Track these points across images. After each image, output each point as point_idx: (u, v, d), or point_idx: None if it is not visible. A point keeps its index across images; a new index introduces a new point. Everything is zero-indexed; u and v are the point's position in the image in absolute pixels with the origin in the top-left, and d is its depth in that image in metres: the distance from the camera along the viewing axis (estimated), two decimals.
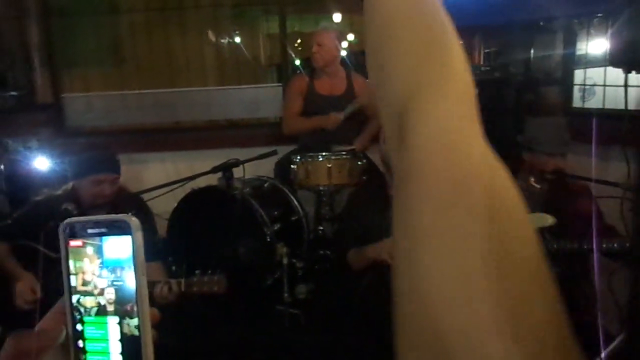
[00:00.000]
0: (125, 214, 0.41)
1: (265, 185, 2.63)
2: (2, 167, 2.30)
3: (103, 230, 0.41)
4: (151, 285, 1.70)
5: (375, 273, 1.80)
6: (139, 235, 0.41)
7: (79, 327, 0.42)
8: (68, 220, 0.42)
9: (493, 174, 0.30)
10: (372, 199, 1.83)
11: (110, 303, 0.41)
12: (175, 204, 2.39)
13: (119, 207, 2.02)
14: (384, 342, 1.55)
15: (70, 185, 2.02)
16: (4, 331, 2.07)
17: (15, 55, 2.10)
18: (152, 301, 0.44)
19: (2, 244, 1.97)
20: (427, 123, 0.31)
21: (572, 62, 2.97)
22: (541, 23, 3.05)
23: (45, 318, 0.44)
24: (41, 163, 2.79)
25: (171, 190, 1.98)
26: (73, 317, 0.42)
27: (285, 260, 2.18)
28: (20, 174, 2.66)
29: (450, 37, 0.37)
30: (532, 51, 3.00)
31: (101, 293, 0.41)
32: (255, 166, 2.34)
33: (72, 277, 0.42)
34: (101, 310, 0.42)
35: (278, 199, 2.58)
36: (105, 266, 0.41)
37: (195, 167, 3.29)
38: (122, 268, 0.41)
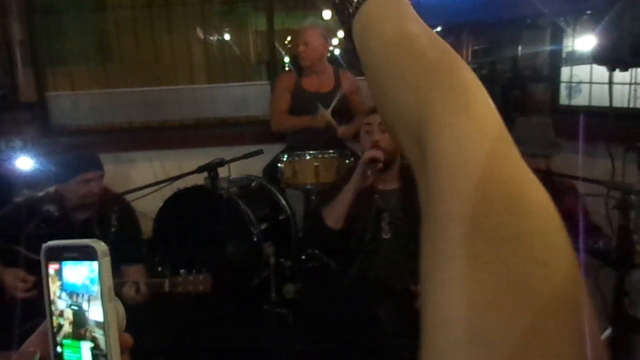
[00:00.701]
0: (93, 240, 0.42)
1: (253, 184, 2.61)
2: None
3: (74, 254, 0.41)
4: (119, 285, 1.69)
5: (359, 270, 1.80)
6: (107, 260, 0.41)
7: (58, 349, 0.43)
8: (48, 243, 0.42)
9: (523, 194, 0.28)
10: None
11: (69, 324, 0.42)
12: (161, 204, 2.37)
13: (102, 207, 2.00)
14: (371, 342, 1.55)
15: (53, 188, 1.99)
16: None
17: None
18: (123, 302, 0.45)
19: None
20: (447, 141, 0.30)
21: (559, 59, 2.99)
22: (528, 20, 3.06)
23: (31, 338, 0.45)
24: (25, 163, 2.74)
25: (156, 190, 1.96)
26: (54, 338, 0.43)
27: (272, 260, 2.17)
28: (2, 174, 2.61)
29: (450, 50, 0.37)
30: (519, 48, 3.00)
31: (61, 314, 0.42)
32: (245, 165, 2.32)
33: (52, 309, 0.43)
34: (75, 334, 0.42)
35: (265, 198, 2.57)
36: (65, 289, 0.42)
37: (183, 165, 3.26)
38: (80, 293, 0.41)
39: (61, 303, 0.42)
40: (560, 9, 2.72)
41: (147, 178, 3.33)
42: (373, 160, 1.77)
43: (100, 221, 2.03)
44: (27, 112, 3.25)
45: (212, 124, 3.76)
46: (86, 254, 0.41)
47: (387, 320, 1.62)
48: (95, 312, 0.41)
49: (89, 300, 0.41)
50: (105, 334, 0.41)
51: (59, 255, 0.42)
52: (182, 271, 1.62)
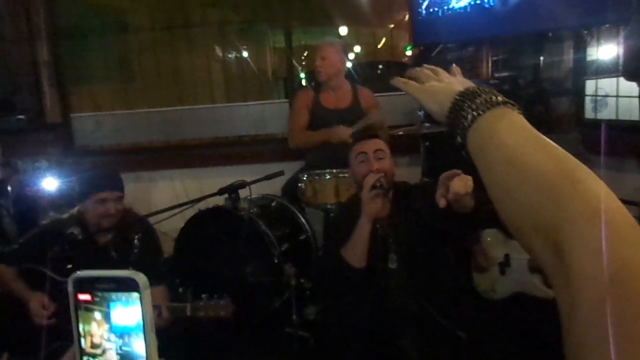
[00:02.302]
0: (133, 271, 0.42)
1: (273, 204, 2.60)
2: (9, 189, 2.30)
3: (111, 285, 0.42)
4: None
5: (376, 301, 1.74)
6: (147, 293, 0.42)
7: None
8: (76, 274, 0.43)
9: None
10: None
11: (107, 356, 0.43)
12: (183, 224, 2.37)
13: (125, 230, 2.01)
14: None
15: (75, 209, 2.02)
16: (10, 358, 2.06)
17: (24, 76, 2.12)
18: None
19: (9, 268, 1.97)
20: (583, 255, 0.33)
21: (583, 72, 2.92)
22: (550, 34, 3.01)
23: None
24: (50, 183, 2.80)
25: (178, 212, 1.97)
26: None
27: (293, 281, 2.14)
28: (28, 195, 2.67)
29: (571, 157, 0.42)
30: (541, 62, 2.95)
31: (110, 356, 0.43)
32: (264, 184, 2.31)
33: (82, 339, 0.43)
34: None
35: (285, 218, 2.55)
36: (113, 331, 0.42)
37: (203, 184, 3.29)
38: (129, 334, 0.42)
39: (109, 344, 0.43)
40: (581, 21, 2.67)
41: (168, 196, 3.38)
42: (377, 186, 1.73)
43: (122, 243, 2.04)
44: (52, 133, 3.33)
45: (231, 142, 3.79)
46: (124, 286, 0.41)
47: (411, 348, 1.58)
48: (136, 343, 0.42)
49: (130, 334, 0.42)
50: None
51: (92, 286, 0.42)
52: (203, 296, 1.61)
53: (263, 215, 2.34)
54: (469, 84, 0.58)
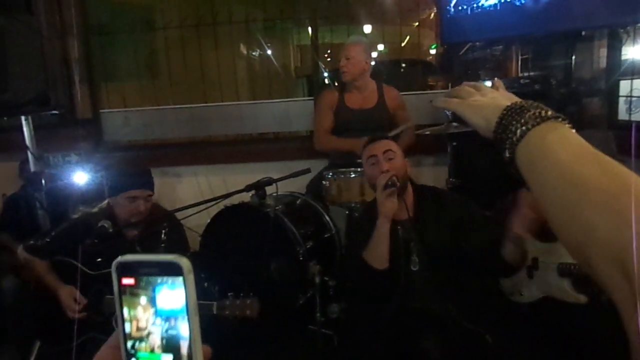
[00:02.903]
0: (177, 255, 0.42)
1: (298, 201, 2.61)
2: (43, 182, 2.36)
3: (154, 270, 0.42)
4: None
5: (399, 303, 1.73)
6: (191, 277, 0.42)
7: None
8: (119, 259, 0.43)
9: None
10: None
11: (163, 347, 0.43)
12: (208, 220, 2.40)
13: (153, 224, 2.04)
14: None
15: (105, 202, 2.06)
16: (41, 346, 2.12)
17: (57, 72, 2.17)
18: None
19: (42, 261, 2.02)
20: None
21: (618, 72, 2.83)
22: (583, 33, 2.93)
23: (100, 352, 0.46)
24: (80, 177, 2.87)
25: (206, 208, 1.99)
26: (127, 352, 0.44)
27: (317, 279, 2.14)
28: (60, 189, 2.74)
29: (634, 175, 0.41)
30: (574, 62, 2.88)
31: (153, 340, 0.43)
32: (288, 182, 2.32)
33: (128, 324, 0.43)
34: (157, 348, 0.44)
35: (310, 215, 2.55)
36: (159, 315, 0.42)
37: (228, 180, 3.33)
38: (175, 318, 0.42)
39: (154, 328, 0.43)
40: (615, 20, 2.59)
41: (192, 192, 3.43)
42: (389, 185, 1.72)
43: (149, 237, 2.07)
44: (82, 129, 3.41)
45: (256, 139, 3.81)
46: (168, 270, 0.41)
47: (434, 350, 1.56)
48: (182, 326, 0.42)
49: (176, 318, 0.42)
50: (191, 347, 0.42)
51: (135, 271, 0.42)
52: (230, 294, 1.62)
53: (288, 212, 2.35)
54: (514, 98, 0.57)
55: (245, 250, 2.28)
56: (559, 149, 0.45)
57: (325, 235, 2.51)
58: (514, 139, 0.49)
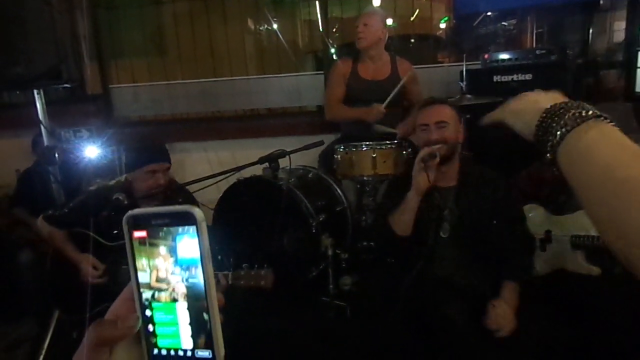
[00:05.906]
0: (189, 205, 0.42)
1: (310, 175, 2.61)
2: (57, 156, 2.37)
3: (166, 221, 0.42)
4: None
5: (421, 269, 1.75)
6: (204, 225, 0.42)
7: (147, 312, 0.44)
8: (131, 212, 0.43)
9: None
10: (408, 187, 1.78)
11: (182, 295, 0.43)
12: (221, 194, 2.41)
13: (169, 197, 2.06)
14: (428, 334, 1.50)
15: (123, 177, 2.07)
16: (60, 316, 2.17)
17: (68, 46, 2.15)
18: None
19: (60, 231, 2.05)
20: None
21: (636, 43, 2.77)
22: (601, 1, 2.85)
23: (115, 305, 0.46)
24: (93, 152, 2.88)
25: (220, 180, 1.99)
26: (142, 303, 0.44)
27: (330, 252, 2.16)
28: (73, 163, 2.76)
29: None
30: (590, 32, 2.81)
31: (174, 289, 0.43)
32: (299, 155, 2.31)
33: (146, 274, 0.44)
34: (172, 298, 0.44)
35: (322, 189, 2.55)
36: (179, 264, 0.42)
37: (237, 155, 3.32)
38: (196, 266, 0.42)
39: (174, 277, 0.43)
40: None
41: (202, 167, 3.43)
42: (429, 157, 1.71)
43: None
44: (93, 104, 3.41)
45: (265, 114, 3.79)
46: (182, 220, 0.41)
47: (453, 318, 1.57)
48: (199, 275, 0.42)
49: (197, 266, 0.42)
50: (206, 294, 0.42)
51: (147, 223, 0.42)
52: (244, 265, 1.64)
53: (301, 185, 2.35)
54: (560, 98, 0.56)
55: (258, 223, 2.29)
56: (601, 147, 0.45)
57: (337, 209, 2.51)
58: (554, 141, 0.49)
